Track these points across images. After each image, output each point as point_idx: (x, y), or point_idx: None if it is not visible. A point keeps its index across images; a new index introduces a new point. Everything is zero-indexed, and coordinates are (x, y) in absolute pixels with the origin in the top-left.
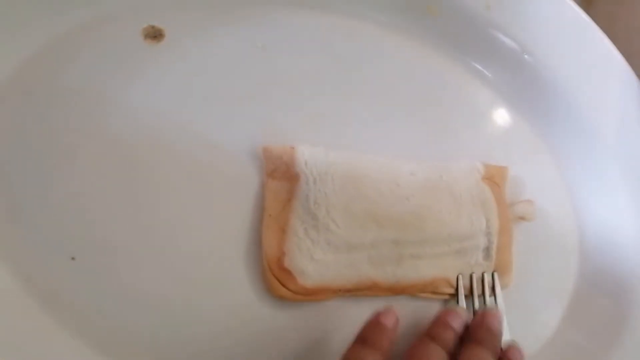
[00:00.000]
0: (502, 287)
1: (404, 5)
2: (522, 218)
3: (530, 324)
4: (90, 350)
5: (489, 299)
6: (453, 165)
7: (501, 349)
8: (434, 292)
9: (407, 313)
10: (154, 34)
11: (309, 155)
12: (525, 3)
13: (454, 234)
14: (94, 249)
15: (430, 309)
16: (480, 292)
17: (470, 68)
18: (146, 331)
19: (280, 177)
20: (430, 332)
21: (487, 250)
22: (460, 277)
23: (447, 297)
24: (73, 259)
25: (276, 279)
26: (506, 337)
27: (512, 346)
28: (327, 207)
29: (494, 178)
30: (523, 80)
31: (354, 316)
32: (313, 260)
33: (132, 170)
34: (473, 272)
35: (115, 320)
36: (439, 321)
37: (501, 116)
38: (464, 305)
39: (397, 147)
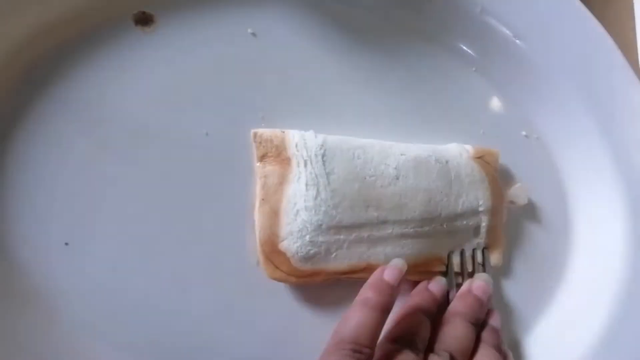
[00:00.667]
0: (492, 266)
1: None
2: (513, 202)
3: (516, 309)
4: (85, 337)
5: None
6: (441, 146)
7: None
8: (428, 271)
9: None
10: (145, 20)
11: (300, 138)
12: None
13: (445, 213)
14: (87, 234)
15: None
16: (471, 269)
17: (461, 52)
18: (139, 316)
19: (272, 161)
20: (413, 298)
21: (478, 229)
22: (451, 254)
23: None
24: (66, 244)
25: (270, 262)
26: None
27: (490, 310)
28: (319, 189)
29: (485, 157)
30: (514, 65)
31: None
32: (306, 242)
33: (123, 156)
34: (464, 250)
35: (109, 305)
36: (421, 287)
37: (492, 101)
38: (454, 283)
39: (388, 132)
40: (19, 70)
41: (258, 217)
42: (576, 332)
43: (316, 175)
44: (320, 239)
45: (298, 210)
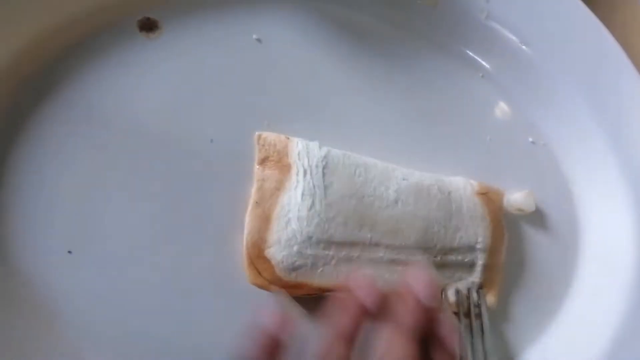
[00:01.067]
0: (489, 307)
1: None
2: (520, 210)
3: (523, 318)
4: (87, 344)
5: (474, 317)
6: (446, 177)
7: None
8: None
9: None
10: (150, 26)
11: (303, 147)
12: None
13: (440, 245)
14: (90, 242)
15: None
16: (466, 310)
17: (467, 58)
18: (141, 324)
19: (272, 165)
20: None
21: (474, 266)
22: (445, 291)
23: None
24: (70, 252)
25: (254, 266)
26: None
27: (444, 318)
28: (314, 200)
29: (489, 194)
30: (521, 72)
31: None
32: (293, 253)
33: (128, 164)
34: (459, 289)
35: (111, 313)
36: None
37: (498, 107)
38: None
39: (394, 137)
40: (23, 75)
41: (249, 219)
42: (585, 342)
43: (314, 186)
44: (309, 251)
45: (290, 219)
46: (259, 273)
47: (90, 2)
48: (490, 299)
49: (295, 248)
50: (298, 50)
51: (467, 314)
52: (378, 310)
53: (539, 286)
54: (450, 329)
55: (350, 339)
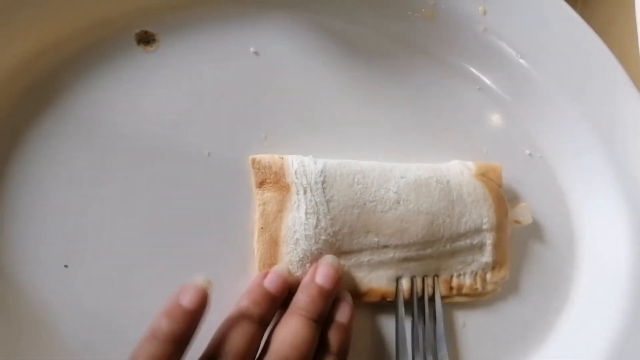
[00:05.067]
0: (499, 281)
1: (399, 9)
2: (517, 222)
3: (521, 329)
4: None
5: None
6: (442, 165)
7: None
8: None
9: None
10: (147, 39)
11: (299, 164)
12: (521, 7)
13: (448, 234)
14: (87, 256)
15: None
16: (421, 296)
17: (464, 71)
18: (135, 335)
19: (271, 187)
20: (240, 301)
21: (483, 246)
22: (400, 280)
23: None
24: (66, 266)
25: None
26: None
27: (339, 300)
28: (319, 217)
29: (488, 174)
30: (518, 84)
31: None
32: (306, 272)
33: (125, 177)
34: (415, 276)
35: (108, 328)
36: (253, 284)
37: (495, 119)
38: (402, 313)
39: (390, 150)
40: (21, 88)
41: (258, 246)
42: (582, 352)
43: (316, 203)
44: None
45: (298, 239)
46: None
47: (88, 16)
48: (503, 272)
49: (307, 266)
50: (295, 62)
51: (422, 302)
52: (282, 297)
53: (536, 297)
54: (345, 313)
55: (260, 322)
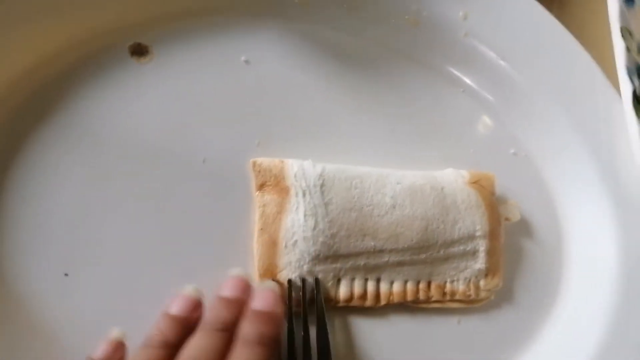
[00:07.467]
0: (492, 289)
1: (384, 17)
2: (507, 219)
3: (511, 328)
4: None
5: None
6: (437, 173)
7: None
8: (427, 302)
9: (407, 324)
10: (141, 51)
11: (298, 168)
12: (500, 12)
13: (441, 240)
14: (86, 265)
15: (427, 320)
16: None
17: (448, 75)
18: (136, 344)
19: (270, 190)
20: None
21: (476, 253)
22: (291, 282)
23: (436, 305)
24: (66, 275)
25: None
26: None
27: (260, 291)
28: (317, 219)
29: (481, 182)
30: (500, 86)
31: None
32: (304, 273)
33: (122, 186)
34: (304, 279)
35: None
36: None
37: (480, 121)
38: (292, 314)
39: (381, 152)
40: (18, 100)
41: (257, 247)
42: (572, 348)
43: (315, 206)
44: (318, 268)
45: (296, 241)
46: None
47: (83, 29)
48: (496, 280)
49: (305, 268)
50: (285, 70)
51: (306, 302)
52: (191, 316)
53: (526, 294)
54: (261, 301)
55: (164, 347)
